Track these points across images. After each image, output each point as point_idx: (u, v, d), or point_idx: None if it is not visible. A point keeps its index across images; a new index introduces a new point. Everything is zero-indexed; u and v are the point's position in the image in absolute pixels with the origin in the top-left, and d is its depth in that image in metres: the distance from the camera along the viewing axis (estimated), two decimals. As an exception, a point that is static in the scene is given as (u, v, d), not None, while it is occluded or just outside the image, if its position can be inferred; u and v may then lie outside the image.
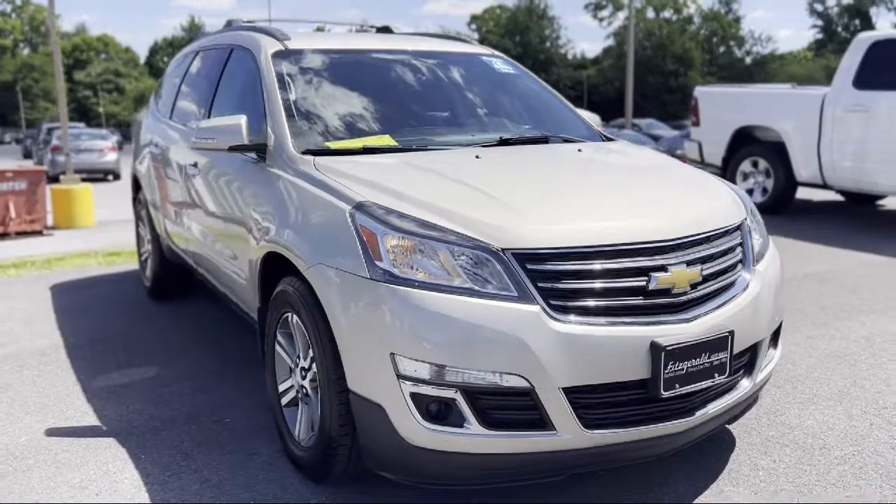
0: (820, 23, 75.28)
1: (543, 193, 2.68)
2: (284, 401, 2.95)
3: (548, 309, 2.25)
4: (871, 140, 7.16)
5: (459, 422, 2.26)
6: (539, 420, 2.26)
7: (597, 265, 2.34)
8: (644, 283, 2.36)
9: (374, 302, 2.32)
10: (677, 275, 2.40)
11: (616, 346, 2.28)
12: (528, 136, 3.50)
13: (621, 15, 72.83)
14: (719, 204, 2.81)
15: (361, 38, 4.10)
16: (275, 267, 2.94)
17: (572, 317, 2.27)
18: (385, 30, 4.54)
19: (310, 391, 2.74)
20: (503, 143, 3.32)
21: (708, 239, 2.58)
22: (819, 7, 74.72)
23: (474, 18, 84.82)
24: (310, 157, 2.95)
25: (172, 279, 5.14)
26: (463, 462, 2.31)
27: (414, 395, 2.27)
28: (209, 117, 3.95)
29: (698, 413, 2.45)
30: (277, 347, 2.96)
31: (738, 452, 2.95)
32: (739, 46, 71.83)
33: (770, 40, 73.66)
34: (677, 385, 2.33)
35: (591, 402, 2.29)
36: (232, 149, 3.20)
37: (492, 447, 2.27)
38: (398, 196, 2.54)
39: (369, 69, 3.74)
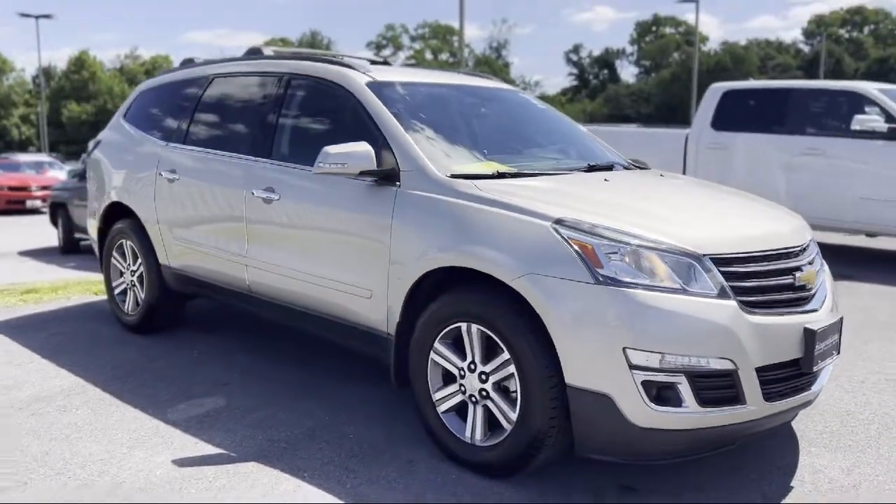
0: (575, 71, 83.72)
1: (696, 211, 3.21)
2: (443, 408, 3.16)
3: (740, 304, 2.76)
4: (728, 173, 8.52)
5: (679, 402, 2.68)
6: (735, 396, 2.74)
7: (766, 267, 2.90)
8: (791, 280, 2.96)
9: (603, 304, 2.68)
10: (808, 273, 3.04)
11: (786, 332, 2.84)
12: (603, 163, 3.99)
13: (402, 54, 75.92)
14: (800, 220, 3.50)
15: (422, 73, 4.35)
16: (427, 284, 3.17)
17: (756, 310, 2.80)
18: (256, 52, 4.68)
19: (492, 392, 2.98)
20: (591, 168, 3.79)
21: (809, 245, 3.25)
22: (574, 57, 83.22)
23: (252, 52, 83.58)
24: (463, 181, 3.22)
25: (168, 309, 4.92)
26: (678, 438, 2.73)
27: (644, 383, 2.65)
28: (273, 146, 4.00)
29: (814, 387, 3.07)
30: (435, 357, 3.16)
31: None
32: (511, 89, 77.46)
33: (538, 85, 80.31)
34: (819, 361, 2.94)
35: (768, 379, 2.82)
36: (362, 174, 3.36)
37: (703, 422, 2.72)
38: (582, 213, 2.92)
39: (444, 100, 4.05)
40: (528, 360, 2.82)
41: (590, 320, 2.70)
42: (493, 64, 75.31)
